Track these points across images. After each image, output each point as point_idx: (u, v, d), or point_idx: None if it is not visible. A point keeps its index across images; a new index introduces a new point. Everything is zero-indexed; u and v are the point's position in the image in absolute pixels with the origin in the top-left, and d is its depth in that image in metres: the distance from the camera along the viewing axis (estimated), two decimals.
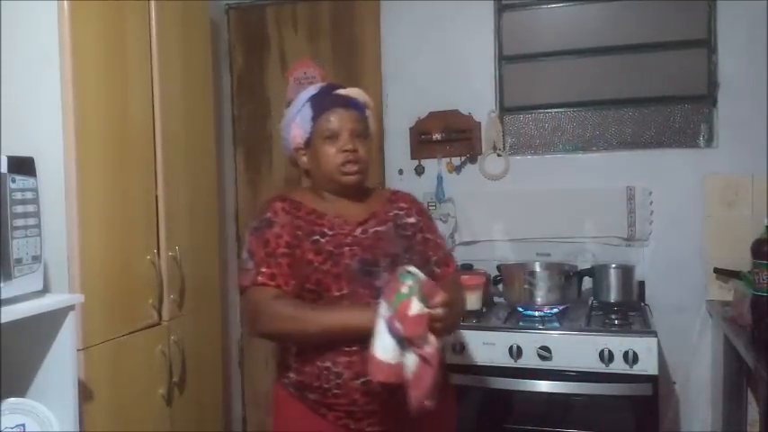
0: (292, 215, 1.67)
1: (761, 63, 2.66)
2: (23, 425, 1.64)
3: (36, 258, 1.65)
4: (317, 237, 1.63)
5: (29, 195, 1.63)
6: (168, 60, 2.30)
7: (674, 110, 2.85)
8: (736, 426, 2.42)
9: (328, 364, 1.58)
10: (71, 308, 1.73)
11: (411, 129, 3.09)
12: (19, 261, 1.59)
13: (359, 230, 1.67)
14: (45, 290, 1.73)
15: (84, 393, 1.82)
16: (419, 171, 3.08)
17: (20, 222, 1.59)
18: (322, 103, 1.70)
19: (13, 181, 1.58)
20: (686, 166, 2.77)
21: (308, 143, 1.72)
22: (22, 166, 1.62)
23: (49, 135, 1.82)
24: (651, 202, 2.80)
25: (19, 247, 1.59)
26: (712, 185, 2.71)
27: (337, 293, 1.58)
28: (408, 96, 3.09)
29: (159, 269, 2.20)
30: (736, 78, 2.71)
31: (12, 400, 1.66)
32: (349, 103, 1.71)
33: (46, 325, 1.70)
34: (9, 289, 1.56)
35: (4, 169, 1.56)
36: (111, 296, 1.98)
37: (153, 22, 2.23)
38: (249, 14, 3.31)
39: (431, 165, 3.07)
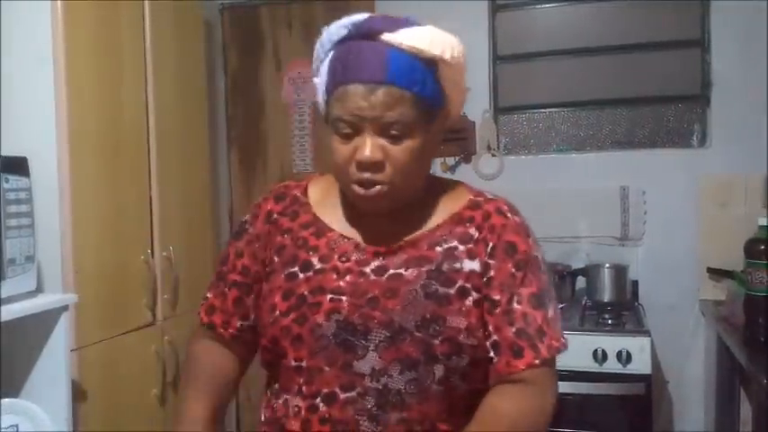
0: (277, 226, 1.10)
1: (754, 63, 2.66)
2: (17, 425, 1.63)
3: (29, 258, 1.65)
4: (297, 268, 1.04)
5: (22, 195, 1.63)
6: (162, 60, 2.30)
7: (668, 110, 2.86)
8: (728, 425, 2.43)
9: None
10: (64, 308, 1.72)
11: None
12: (12, 261, 1.59)
13: (371, 266, 1.02)
14: (38, 290, 1.73)
15: (78, 393, 1.82)
16: None
17: (13, 222, 1.59)
18: (338, 67, 0.99)
19: (7, 181, 1.58)
20: (680, 165, 2.78)
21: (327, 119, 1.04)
22: (16, 166, 1.62)
23: (42, 135, 1.82)
24: (645, 202, 2.80)
25: (12, 247, 1.59)
26: (705, 185, 2.72)
27: (294, 364, 1.01)
28: None
29: (153, 269, 2.19)
30: (730, 78, 2.72)
31: (5, 400, 1.65)
32: (385, 70, 0.95)
33: (39, 325, 1.70)
34: (2, 289, 1.56)
35: None
36: (104, 296, 1.98)
37: (147, 23, 2.22)
38: (243, 14, 3.30)
39: None
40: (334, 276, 1.02)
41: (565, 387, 2.30)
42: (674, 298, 2.75)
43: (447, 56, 1.00)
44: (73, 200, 1.85)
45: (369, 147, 0.97)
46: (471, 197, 1.09)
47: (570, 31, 2.95)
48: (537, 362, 0.97)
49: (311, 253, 1.05)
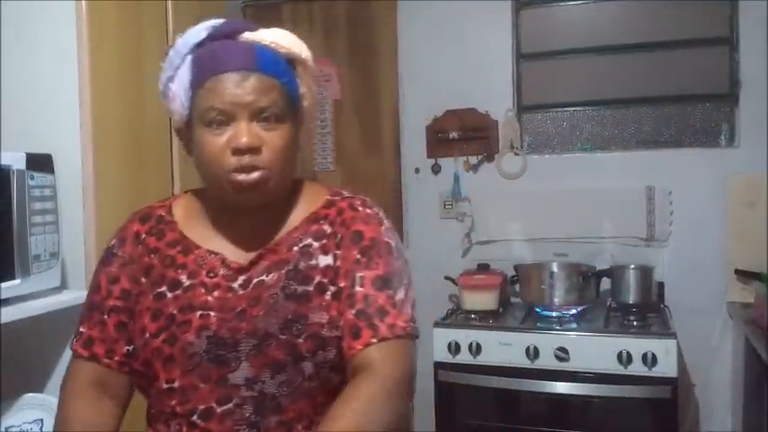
0: (145, 245, 1.09)
1: None
2: (42, 420, 1.65)
3: (54, 255, 1.66)
4: (166, 288, 1.04)
5: (47, 192, 1.64)
6: None
7: (695, 109, 2.81)
8: (756, 428, 2.39)
9: None
10: None
11: (428, 127, 3.07)
12: (37, 257, 1.60)
13: (239, 281, 1.03)
14: (62, 286, 1.74)
15: None
16: (436, 170, 3.07)
17: (38, 219, 1.60)
18: (205, 61, 1.02)
19: (32, 178, 1.59)
20: (707, 165, 2.73)
21: (190, 124, 1.05)
22: (41, 163, 1.63)
23: (67, 132, 1.83)
24: (671, 203, 2.76)
25: (37, 243, 1.60)
26: (733, 185, 2.67)
27: (166, 386, 1.00)
28: (425, 95, 3.08)
29: None
30: (759, 77, 2.67)
31: (30, 395, 1.66)
32: (254, 60, 1.00)
33: (63, 321, 1.70)
34: (27, 285, 1.57)
35: (23, 166, 1.57)
36: None
37: (170, 21, 2.23)
38: (265, 12, 3.31)
39: (447, 163, 3.05)
40: (203, 291, 1.02)
41: (589, 389, 2.30)
42: (701, 300, 2.70)
43: (304, 56, 1.05)
44: (97, 197, 1.86)
45: (245, 131, 0.98)
46: (328, 197, 1.11)
47: (595, 29, 2.91)
48: (374, 341, 0.96)
49: (179, 271, 1.05)
